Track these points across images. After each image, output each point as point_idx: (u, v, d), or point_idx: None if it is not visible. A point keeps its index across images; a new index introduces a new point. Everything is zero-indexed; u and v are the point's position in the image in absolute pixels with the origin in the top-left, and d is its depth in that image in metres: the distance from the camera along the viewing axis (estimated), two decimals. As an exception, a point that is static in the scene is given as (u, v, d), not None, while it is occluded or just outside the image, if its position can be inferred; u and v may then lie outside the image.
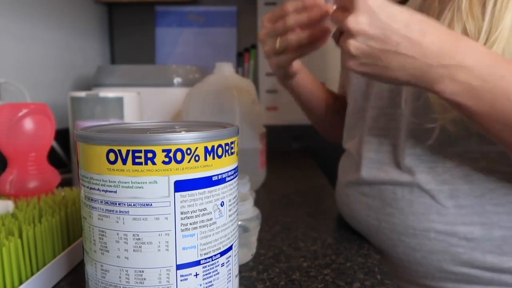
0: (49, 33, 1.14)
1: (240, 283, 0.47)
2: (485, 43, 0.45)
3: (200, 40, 1.52)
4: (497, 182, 0.52)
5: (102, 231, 0.35)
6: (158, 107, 1.11)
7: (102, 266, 0.36)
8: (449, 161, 0.54)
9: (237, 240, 0.40)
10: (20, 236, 0.43)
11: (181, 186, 0.34)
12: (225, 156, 0.37)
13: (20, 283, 0.42)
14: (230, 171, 0.38)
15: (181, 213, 0.34)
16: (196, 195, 0.35)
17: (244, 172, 0.81)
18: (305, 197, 0.85)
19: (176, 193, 0.34)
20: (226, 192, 0.37)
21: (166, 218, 0.34)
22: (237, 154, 0.40)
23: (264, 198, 0.84)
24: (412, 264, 0.57)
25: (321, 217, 0.71)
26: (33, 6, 1.07)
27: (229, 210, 0.38)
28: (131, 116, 0.87)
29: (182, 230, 0.35)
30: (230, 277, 0.39)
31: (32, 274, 0.43)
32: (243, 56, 1.51)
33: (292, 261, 0.53)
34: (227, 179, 0.37)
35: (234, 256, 0.39)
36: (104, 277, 0.36)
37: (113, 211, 0.34)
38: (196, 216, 0.35)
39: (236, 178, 0.39)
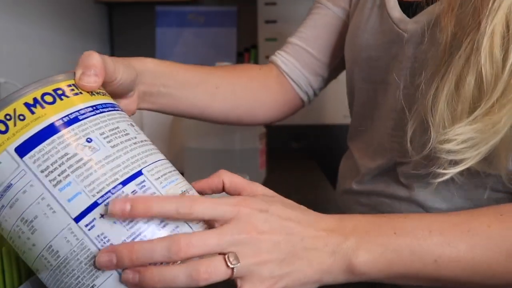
0: (49, 33, 1.14)
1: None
2: (500, 96, 0.39)
3: (200, 40, 1.52)
4: (499, 202, 0.47)
5: (11, 239, 0.35)
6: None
7: (35, 269, 0.35)
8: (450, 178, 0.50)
9: (150, 164, 0.36)
10: (20, 236, 0.43)
11: (23, 149, 0.33)
12: (63, 99, 0.35)
13: (20, 283, 0.42)
14: (82, 109, 0.35)
15: (41, 171, 0.33)
16: (46, 147, 0.33)
17: (244, 172, 0.81)
18: (305, 197, 0.85)
19: (23, 158, 0.33)
20: (89, 128, 0.35)
21: (32, 185, 0.33)
22: (92, 93, 0.37)
23: (264, 198, 0.83)
24: None
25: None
26: (33, 6, 1.07)
27: (110, 141, 0.35)
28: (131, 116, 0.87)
29: (55, 186, 0.33)
30: None
31: (32, 274, 0.43)
32: (243, 56, 1.51)
33: (292, 261, 0.53)
34: (84, 116, 0.35)
35: (156, 179, 0.36)
36: (41, 275, 0.35)
37: None
38: (60, 165, 0.33)
39: (107, 112, 0.37)
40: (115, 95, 0.46)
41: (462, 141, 0.40)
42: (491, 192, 0.48)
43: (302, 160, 1.30)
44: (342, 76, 0.71)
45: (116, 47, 1.55)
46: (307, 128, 1.42)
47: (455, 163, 0.41)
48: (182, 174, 1.03)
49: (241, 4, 1.51)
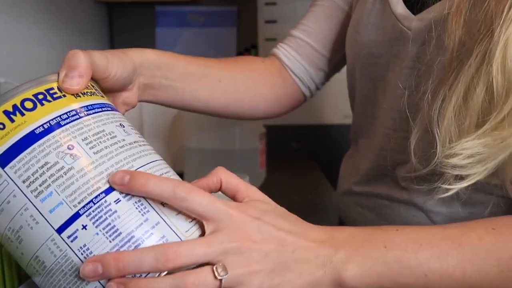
0: (49, 33, 1.14)
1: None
2: (511, 110, 0.37)
3: (200, 40, 1.52)
4: (500, 206, 0.47)
5: (4, 246, 0.35)
6: (158, 107, 1.11)
7: (29, 274, 0.35)
8: None
9: (137, 169, 0.35)
10: (20, 236, 0.43)
11: (4, 160, 0.32)
12: (44, 104, 0.34)
13: (20, 283, 0.42)
14: (64, 114, 0.34)
15: (23, 181, 0.32)
16: (26, 156, 0.32)
17: (244, 172, 0.81)
18: (305, 197, 0.85)
19: (5, 169, 0.32)
20: (71, 134, 0.33)
21: (14, 196, 0.32)
22: (77, 95, 0.36)
23: (264, 198, 0.83)
24: None
25: (321, 218, 0.71)
26: (33, 6, 1.07)
27: (94, 147, 0.34)
28: (131, 116, 0.87)
29: (36, 196, 0.32)
30: (145, 208, 0.34)
31: (32, 274, 0.43)
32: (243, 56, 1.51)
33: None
34: (66, 121, 0.34)
35: None
36: (34, 280, 0.35)
37: None
38: (41, 175, 0.32)
39: (92, 114, 0.35)
40: (114, 89, 0.45)
41: (468, 156, 0.38)
42: (492, 197, 0.47)
43: (302, 160, 1.30)
44: (342, 76, 0.70)
45: (116, 47, 1.54)
46: (307, 128, 1.42)
47: (460, 178, 0.40)
48: (182, 174, 1.03)
49: (241, 4, 1.51)
